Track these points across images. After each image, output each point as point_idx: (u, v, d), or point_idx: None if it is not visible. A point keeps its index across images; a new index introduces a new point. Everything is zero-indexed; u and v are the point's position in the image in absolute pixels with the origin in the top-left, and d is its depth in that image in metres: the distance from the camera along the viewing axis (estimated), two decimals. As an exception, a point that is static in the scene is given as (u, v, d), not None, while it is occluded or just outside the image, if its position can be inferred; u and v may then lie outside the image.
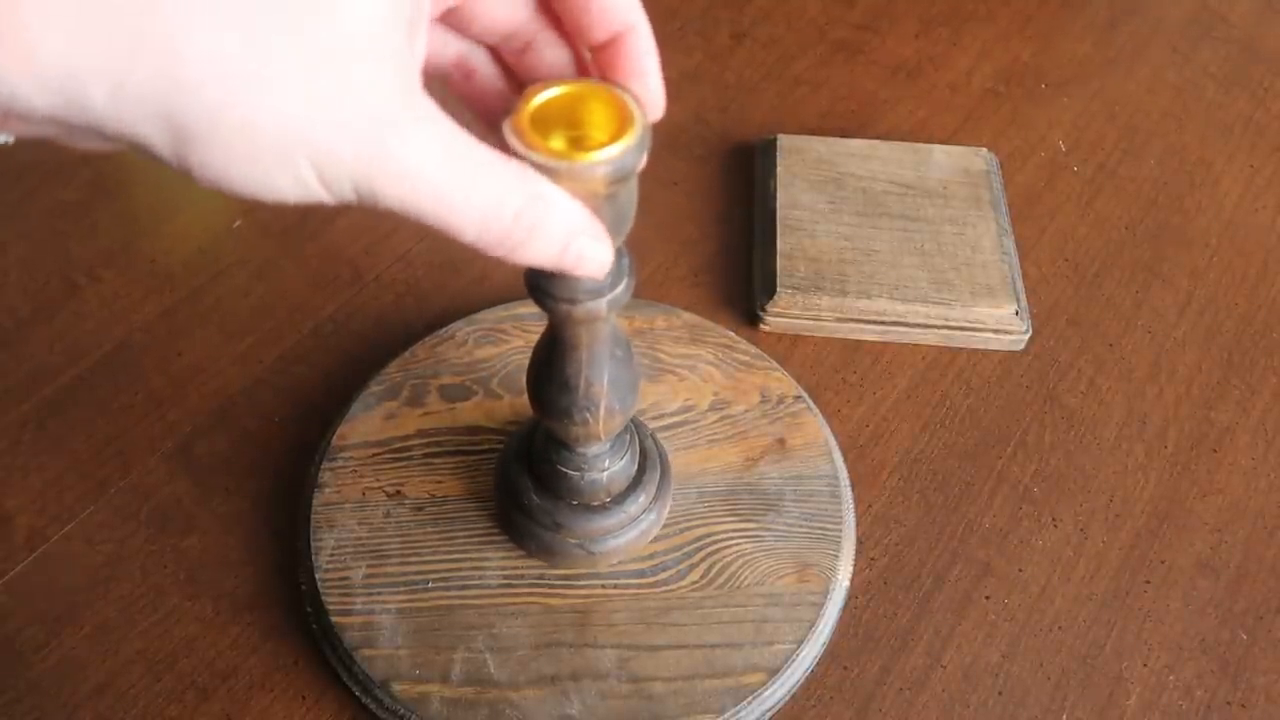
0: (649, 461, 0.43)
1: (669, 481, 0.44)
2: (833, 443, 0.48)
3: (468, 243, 0.25)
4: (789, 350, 0.53)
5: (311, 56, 0.22)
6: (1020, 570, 0.46)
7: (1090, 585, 0.46)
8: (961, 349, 0.53)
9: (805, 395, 0.50)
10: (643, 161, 0.28)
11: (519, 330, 0.51)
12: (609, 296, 0.32)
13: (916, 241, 0.55)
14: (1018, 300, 0.53)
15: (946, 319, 0.52)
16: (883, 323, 0.52)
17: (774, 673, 0.41)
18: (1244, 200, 0.62)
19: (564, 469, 0.40)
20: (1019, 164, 0.63)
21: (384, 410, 0.48)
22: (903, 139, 0.64)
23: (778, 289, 0.53)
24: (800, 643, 0.42)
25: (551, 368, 0.36)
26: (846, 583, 0.44)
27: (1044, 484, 0.49)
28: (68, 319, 0.54)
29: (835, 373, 0.53)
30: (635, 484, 0.42)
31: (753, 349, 0.51)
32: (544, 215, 0.26)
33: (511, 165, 0.26)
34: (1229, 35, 0.72)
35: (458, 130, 0.24)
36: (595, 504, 0.41)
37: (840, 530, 0.45)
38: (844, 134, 0.64)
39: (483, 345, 0.51)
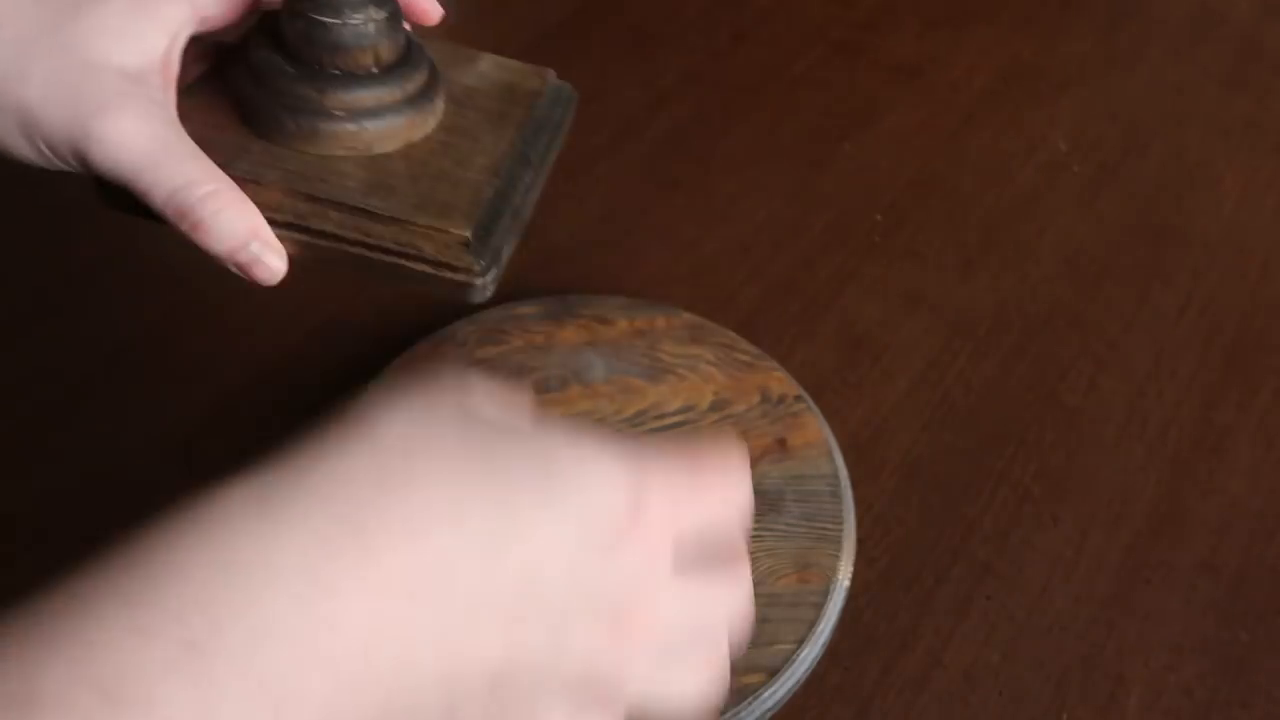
0: (415, 50, 0.38)
1: (439, 82, 0.39)
2: (833, 443, 0.48)
3: (158, 209, 0.33)
4: (789, 350, 0.53)
5: (56, 60, 0.31)
6: (1020, 570, 0.46)
7: (1090, 585, 0.46)
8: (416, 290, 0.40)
9: (805, 395, 0.50)
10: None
11: (519, 330, 0.51)
12: None
13: None
14: (479, 231, 0.36)
15: (367, 234, 0.36)
16: (278, 223, 0.36)
17: (774, 673, 0.41)
18: (1244, 200, 0.62)
19: (320, 17, 0.35)
20: (1019, 164, 0.63)
21: (384, 410, 0.48)
22: (902, 139, 0.64)
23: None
24: (800, 643, 0.42)
25: None
26: (846, 583, 0.44)
27: (1044, 484, 0.49)
28: (68, 319, 0.54)
29: (835, 373, 0.53)
30: (406, 59, 0.38)
31: (753, 349, 0.51)
32: (228, 206, 0.33)
33: (207, 161, 0.32)
34: (1229, 35, 0.72)
35: (171, 121, 0.32)
36: (362, 72, 0.37)
37: (840, 530, 0.45)
38: (843, 135, 0.64)
39: (483, 345, 0.51)
